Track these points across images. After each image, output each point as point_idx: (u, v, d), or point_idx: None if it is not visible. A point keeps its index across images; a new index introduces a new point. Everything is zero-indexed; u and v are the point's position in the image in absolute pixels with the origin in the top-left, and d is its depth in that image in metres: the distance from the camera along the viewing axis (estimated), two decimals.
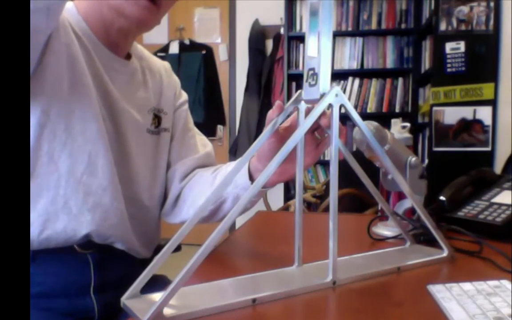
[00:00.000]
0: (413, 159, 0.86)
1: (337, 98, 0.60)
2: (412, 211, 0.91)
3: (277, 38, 3.57)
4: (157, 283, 0.68)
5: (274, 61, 3.57)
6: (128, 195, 0.83)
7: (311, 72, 0.60)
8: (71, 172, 0.76)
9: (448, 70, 2.40)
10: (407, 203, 0.91)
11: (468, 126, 2.40)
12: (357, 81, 3.43)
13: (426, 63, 3.08)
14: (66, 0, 0.64)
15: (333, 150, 0.60)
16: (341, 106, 0.61)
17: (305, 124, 0.59)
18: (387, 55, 3.42)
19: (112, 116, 0.81)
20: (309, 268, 0.67)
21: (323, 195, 2.73)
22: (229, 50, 3.82)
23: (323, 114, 0.62)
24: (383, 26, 3.41)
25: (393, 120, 1.01)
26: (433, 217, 0.75)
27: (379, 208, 1.05)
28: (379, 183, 0.90)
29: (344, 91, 3.39)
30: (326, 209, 2.12)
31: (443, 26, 2.41)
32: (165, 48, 3.80)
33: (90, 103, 0.77)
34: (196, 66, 3.76)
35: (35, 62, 0.70)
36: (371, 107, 3.41)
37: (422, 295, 0.57)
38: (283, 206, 3.03)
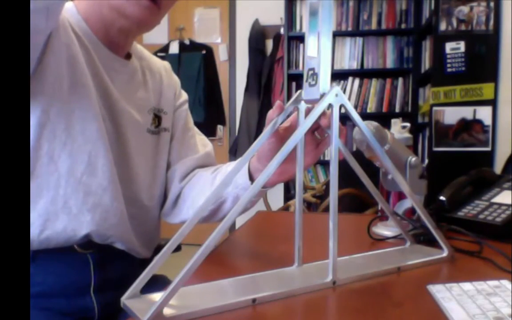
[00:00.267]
0: (413, 159, 0.86)
1: (337, 98, 0.60)
2: (412, 211, 0.91)
3: (277, 38, 3.58)
4: (157, 283, 0.68)
5: (274, 61, 3.57)
6: (128, 195, 0.83)
7: (311, 72, 0.60)
8: (71, 172, 0.76)
9: (448, 70, 2.40)
10: (407, 203, 0.91)
11: (468, 126, 2.40)
12: (357, 81, 3.43)
13: (426, 63, 3.08)
14: (66, 0, 0.64)
15: (333, 150, 0.60)
16: (341, 106, 0.61)
17: (305, 124, 0.59)
18: (387, 55, 3.42)
19: (112, 116, 0.81)
20: (309, 268, 0.67)
21: (323, 195, 2.73)
22: (229, 50, 3.83)
23: (323, 114, 0.62)
24: (383, 26, 3.41)
25: (393, 120, 1.01)
26: (433, 217, 0.75)
27: (379, 208, 1.05)
28: (379, 183, 0.90)
29: (344, 91, 3.39)
30: (326, 209, 2.12)
31: (443, 26, 2.41)
32: (165, 48, 3.80)
33: (90, 103, 0.77)
34: (196, 66, 3.76)
35: (35, 62, 0.70)
36: (371, 107, 3.41)
37: (422, 295, 0.57)
38: (283, 206, 3.03)
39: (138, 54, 0.92)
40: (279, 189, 3.45)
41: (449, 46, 2.39)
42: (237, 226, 1.14)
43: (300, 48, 3.50)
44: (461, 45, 2.38)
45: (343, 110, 0.61)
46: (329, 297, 0.59)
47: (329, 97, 0.59)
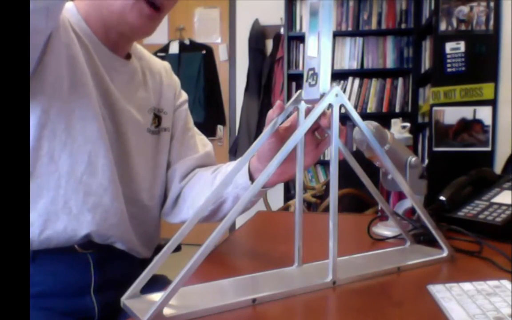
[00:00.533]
0: (413, 159, 0.86)
1: (337, 98, 0.60)
2: (412, 211, 0.91)
3: (277, 38, 3.58)
4: (157, 283, 0.68)
5: (274, 61, 3.57)
6: (128, 195, 0.83)
7: (311, 72, 0.60)
8: (71, 172, 0.76)
9: (448, 70, 2.40)
10: (407, 203, 0.91)
11: (468, 126, 2.40)
12: (357, 81, 3.43)
13: (426, 63, 3.08)
14: (66, 0, 0.64)
15: (333, 150, 0.60)
16: (341, 106, 0.61)
17: (305, 124, 0.59)
18: (387, 55, 3.42)
19: (112, 115, 0.81)
20: (309, 268, 0.67)
21: (323, 195, 2.73)
22: (229, 50, 3.82)
23: (323, 114, 0.62)
24: (383, 26, 3.41)
25: (393, 120, 1.01)
26: (433, 217, 0.75)
27: (379, 208, 1.05)
28: (379, 183, 0.90)
29: (344, 91, 3.39)
30: (326, 209, 2.12)
31: (443, 26, 2.41)
32: (165, 48, 3.80)
33: (90, 103, 0.77)
34: (196, 66, 3.76)
35: (35, 62, 0.70)
36: (371, 107, 3.41)
37: (422, 295, 0.57)
38: (283, 206, 3.03)
39: (138, 54, 0.92)
40: (279, 189, 3.45)
41: (449, 46, 2.39)
42: (237, 226, 1.14)
43: (300, 48, 3.50)
44: (461, 45, 2.38)
45: (343, 110, 0.61)
46: (329, 297, 0.59)
47: (329, 97, 0.59)
